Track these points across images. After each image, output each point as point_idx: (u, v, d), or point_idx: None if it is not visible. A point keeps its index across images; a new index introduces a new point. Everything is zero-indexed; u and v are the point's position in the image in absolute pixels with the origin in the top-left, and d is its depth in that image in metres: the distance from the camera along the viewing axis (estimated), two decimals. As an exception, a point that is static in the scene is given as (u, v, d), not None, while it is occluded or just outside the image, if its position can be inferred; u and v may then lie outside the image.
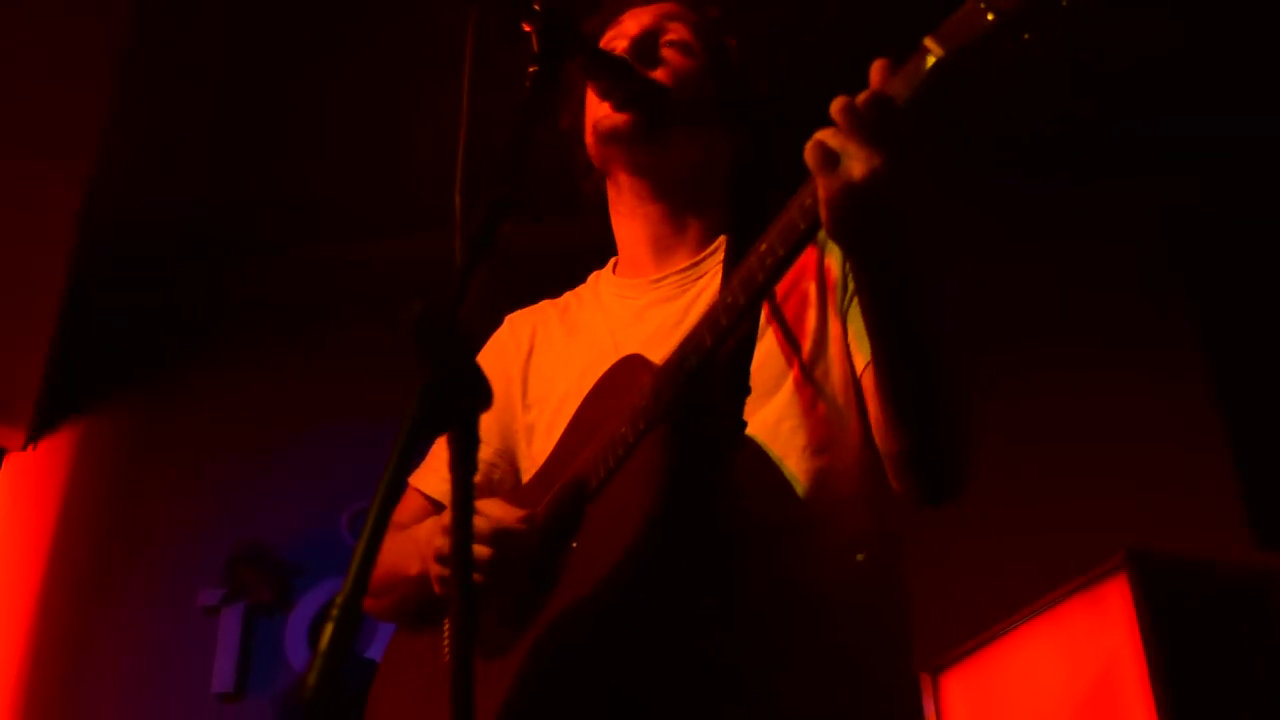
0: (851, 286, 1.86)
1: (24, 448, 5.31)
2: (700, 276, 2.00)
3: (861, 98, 1.44)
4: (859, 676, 1.74)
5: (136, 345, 5.41)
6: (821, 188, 1.46)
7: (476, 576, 1.74)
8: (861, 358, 1.83)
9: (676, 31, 2.06)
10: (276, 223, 5.26)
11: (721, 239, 2.02)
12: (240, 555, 4.90)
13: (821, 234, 1.52)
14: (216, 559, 4.92)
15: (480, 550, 1.74)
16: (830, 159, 1.45)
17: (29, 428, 5.26)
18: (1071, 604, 3.29)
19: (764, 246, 1.56)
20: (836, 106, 1.46)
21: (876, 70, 1.46)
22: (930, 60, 1.39)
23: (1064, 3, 1.32)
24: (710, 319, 1.64)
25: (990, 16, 1.35)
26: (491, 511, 1.79)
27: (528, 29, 1.72)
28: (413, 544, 1.91)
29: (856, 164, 1.43)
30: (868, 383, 1.80)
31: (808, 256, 1.93)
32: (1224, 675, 3.04)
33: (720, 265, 1.96)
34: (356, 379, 4.92)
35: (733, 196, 2.07)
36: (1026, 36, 1.36)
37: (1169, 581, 3.10)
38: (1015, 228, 4.89)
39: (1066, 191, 4.95)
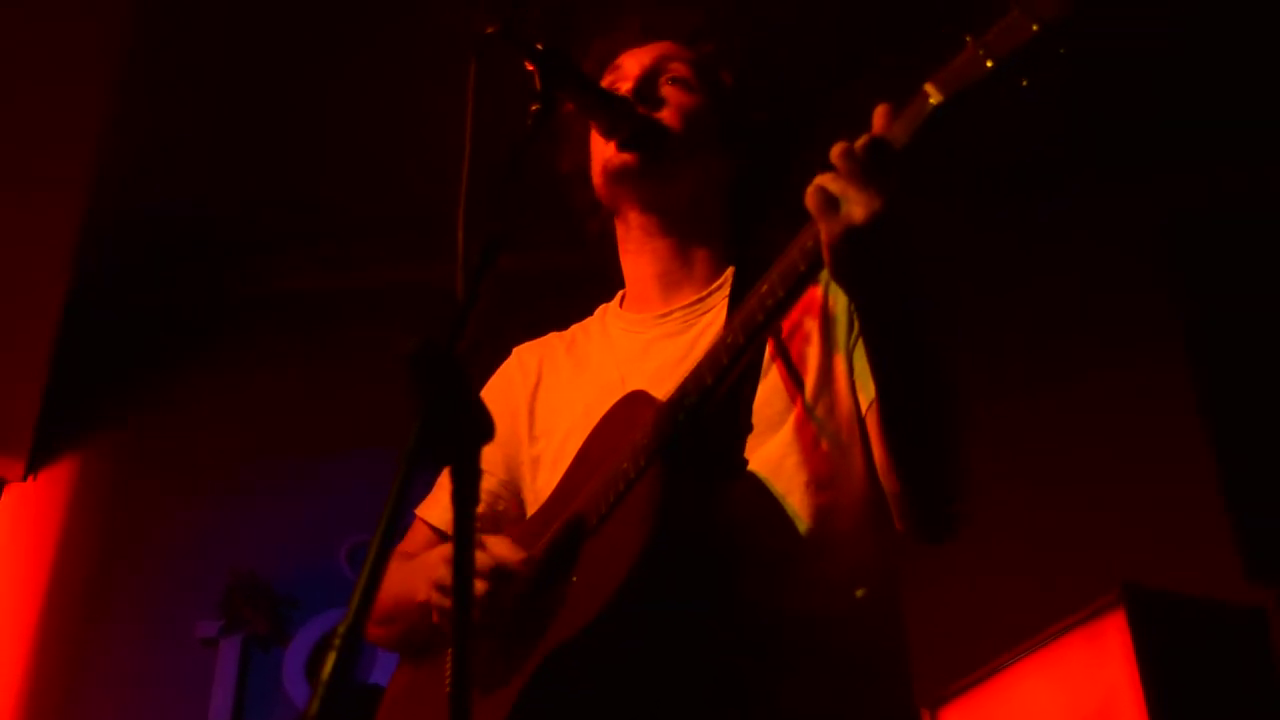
0: (856, 325, 1.88)
1: (24, 478, 5.30)
2: (706, 311, 2.02)
3: (860, 142, 1.48)
4: (859, 710, 1.75)
5: (132, 378, 5.41)
6: (824, 232, 1.50)
7: (483, 586, 1.76)
8: (865, 396, 1.84)
9: (676, 70, 2.09)
10: (278, 224, 5.24)
11: (727, 274, 2.04)
12: (238, 587, 4.89)
13: (824, 272, 1.55)
14: (214, 591, 4.89)
15: (476, 585, 1.75)
16: (831, 203, 1.49)
17: (29, 458, 5.26)
18: (1069, 639, 3.30)
19: (765, 287, 1.59)
20: (836, 151, 1.50)
21: (879, 115, 1.49)
22: (930, 104, 1.43)
23: (1061, 50, 1.36)
24: (711, 358, 1.66)
25: (989, 64, 1.39)
26: (494, 549, 1.80)
27: (530, 68, 1.75)
28: (420, 571, 1.92)
29: (857, 208, 1.47)
30: (872, 422, 1.83)
31: (811, 294, 1.95)
32: (1220, 710, 3.05)
33: (723, 299, 1.98)
34: (356, 412, 4.92)
35: (736, 228, 2.10)
36: (1025, 83, 1.40)
37: (1165, 617, 3.12)
38: (1012, 251, 4.89)
39: (1059, 215, 4.96)
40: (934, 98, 1.43)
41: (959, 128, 1.45)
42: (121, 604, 4.94)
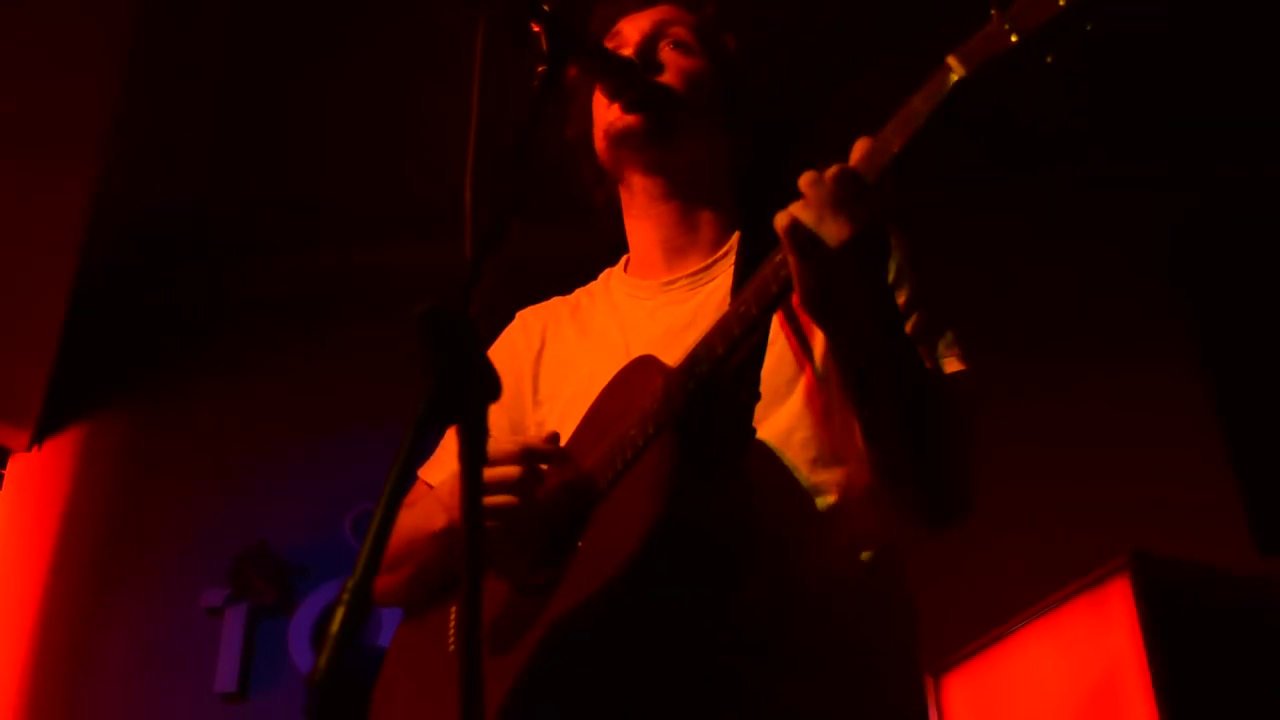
0: None
1: (29, 449, 5.31)
2: (711, 280, 2.02)
3: (829, 173, 1.48)
4: (864, 678, 1.74)
5: (140, 347, 5.42)
6: (791, 260, 1.51)
7: (507, 499, 1.75)
8: None
9: (676, 34, 2.08)
10: (277, 224, 5.26)
11: (732, 240, 2.04)
12: (244, 556, 4.91)
13: None
14: (220, 560, 4.92)
15: (508, 471, 1.76)
16: (800, 232, 1.49)
17: (34, 429, 5.27)
18: (1074, 606, 3.30)
19: (779, 257, 1.58)
20: (805, 180, 1.50)
21: (858, 146, 1.50)
22: (953, 78, 1.42)
23: (1088, 26, 1.35)
24: (723, 327, 1.66)
25: (1014, 38, 1.38)
26: (518, 437, 1.82)
27: (536, 29, 1.74)
28: (436, 500, 1.93)
29: (828, 238, 1.47)
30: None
31: None
32: (1225, 679, 3.05)
33: (730, 267, 1.97)
34: (360, 380, 4.94)
35: (740, 194, 2.10)
36: (1049, 59, 1.38)
37: (1171, 585, 3.11)
38: (1018, 231, 4.90)
39: (1068, 195, 4.96)
40: (956, 72, 1.41)
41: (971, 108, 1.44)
42: (126, 573, 4.96)
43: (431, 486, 2.10)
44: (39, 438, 5.32)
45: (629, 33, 2.08)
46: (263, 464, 5.06)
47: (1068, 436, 4.41)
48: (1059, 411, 4.47)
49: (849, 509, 1.81)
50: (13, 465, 5.30)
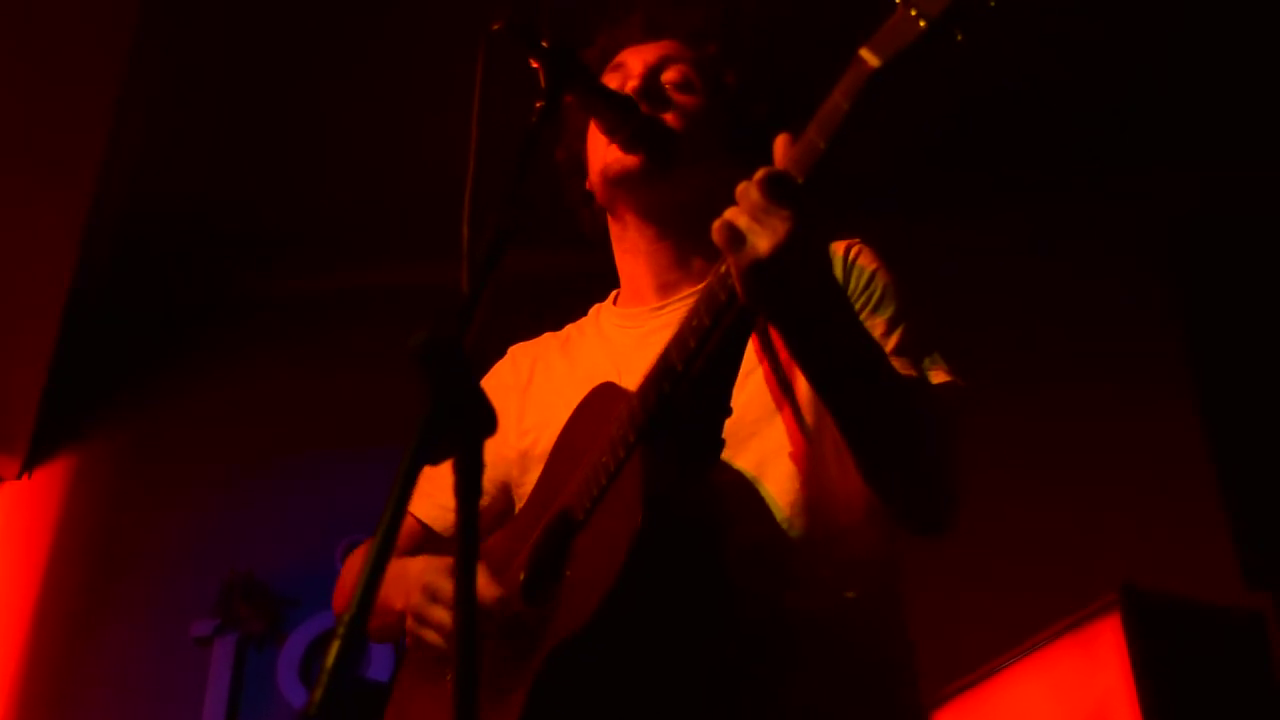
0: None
1: (19, 476, 5.29)
2: None
3: (758, 176, 1.52)
4: (859, 705, 1.74)
5: (130, 375, 5.41)
6: (730, 265, 1.54)
7: (441, 640, 1.81)
8: None
9: (679, 70, 2.08)
10: (272, 244, 5.25)
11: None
12: (233, 587, 4.89)
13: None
14: (209, 590, 4.90)
15: (444, 618, 1.80)
16: (736, 237, 1.52)
17: (24, 457, 5.25)
18: (1065, 642, 3.30)
19: (724, 268, 1.60)
20: (740, 188, 1.53)
21: (779, 145, 1.54)
22: (868, 69, 1.44)
23: (991, 3, 1.37)
24: (678, 342, 1.67)
25: (922, 24, 1.40)
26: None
27: (535, 65, 1.75)
28: (398, 580, 1.92)
29: (761, 240, 1.50)
30: None
31: None
32: (1216, 715, 3.05)
33: None
34: (350, 410, 4.93)
35: None
36: (960, 38, 1.40)
37: (1161, 620, 3.11)
38: (1002, 254, 4.90)
39: (1054, 220, 4.97)
40: (871, 63, 1.44)
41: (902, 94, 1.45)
42: (116, 602, 4.94)
43: (418, 519, 2.11)
44: (28, 466, 5.30)
45: (633, 65, 2.08)
46: (252, 494, 5.05)
47: (1057, 470, 4.41)
48: (1048, 445, 4.47)
49: (839, 535, 1.81)
50: (2, 493, 5.27)
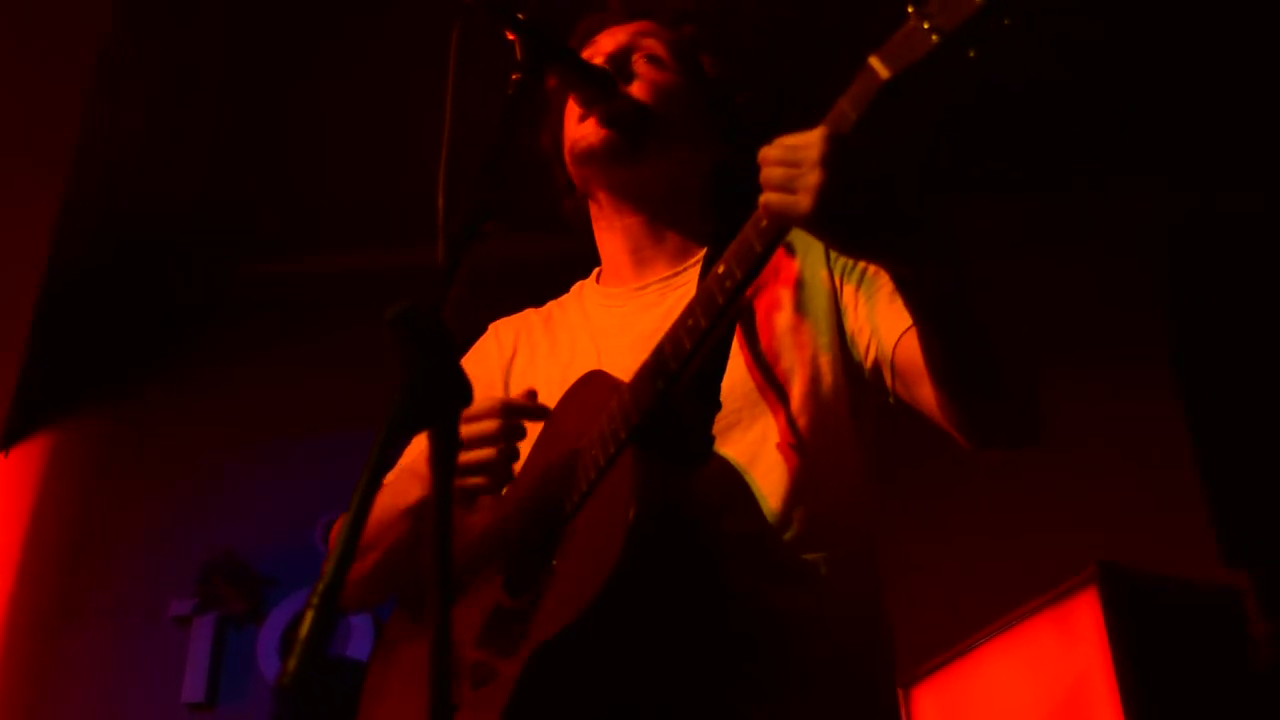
0: (846, 286, 1.88)
1: (-3, 455, 5.28)
2: (682, 285, 2.02)
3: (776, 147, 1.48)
4: (840, 694, 1.73)
5: (108, 355, 5.39)
6: (821, 182, 1.44)
7: (487, 452, 1.75)
8: (876, 342, 1.83)
9: (650, 47, 2.08)
10: (252, 230, 5.25)
11: (700, 254, 2.04)
12: (213, 565, 4.88)
13: (798, 240, 1.54)
14: (188, 569, 4.90)
15: (487, 425, 1.75)
16: (794, 167, 1.46)
17: (3, 434, 5.23)
18: (1042, 618, 3.31)
19: (722, 269, 1.58)
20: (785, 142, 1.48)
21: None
22: (879, 80, 1.41)
23: (1006, 20, 1.34)
24: (673, 340, 1.65)
25: (935, 38, 1.37)
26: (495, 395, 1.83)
27: (512, 38, 1.74)
28: (410, 474, 1.89)
29: (810, 175, 1.44)
30: (902, 358, 1.79)
31: (785, 265, 1.95)
32: (1193, 692, 3.07)
33: (697, 273, 1.97)
34: (329, 388, 4.92)
35: (713, 209, 2.09)
36: (971, 54, 1.37)
37: (1138, 597, 3.13)
38: (986, 238, 4.91)
39: (1034, 206, 4.99)
40: (881, 74, 1.41)
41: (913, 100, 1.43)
42: (95, 582, 4.93)
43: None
44: (5, 444, 5.28)
45: (605, 43, 2.09)
46: (232, 473, 5.04)
47: (1036, 448, 4.42)
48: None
49: (824, 522, 1.80)
50: (-21, 472, 5.26)
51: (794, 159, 1.46)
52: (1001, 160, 4.90)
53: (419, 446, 1.91)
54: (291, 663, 0.94)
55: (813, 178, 1.43)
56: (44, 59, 3.94)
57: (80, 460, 5.26)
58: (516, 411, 1.79)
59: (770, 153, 1.49)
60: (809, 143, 1.45)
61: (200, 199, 5.12)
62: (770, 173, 1.48)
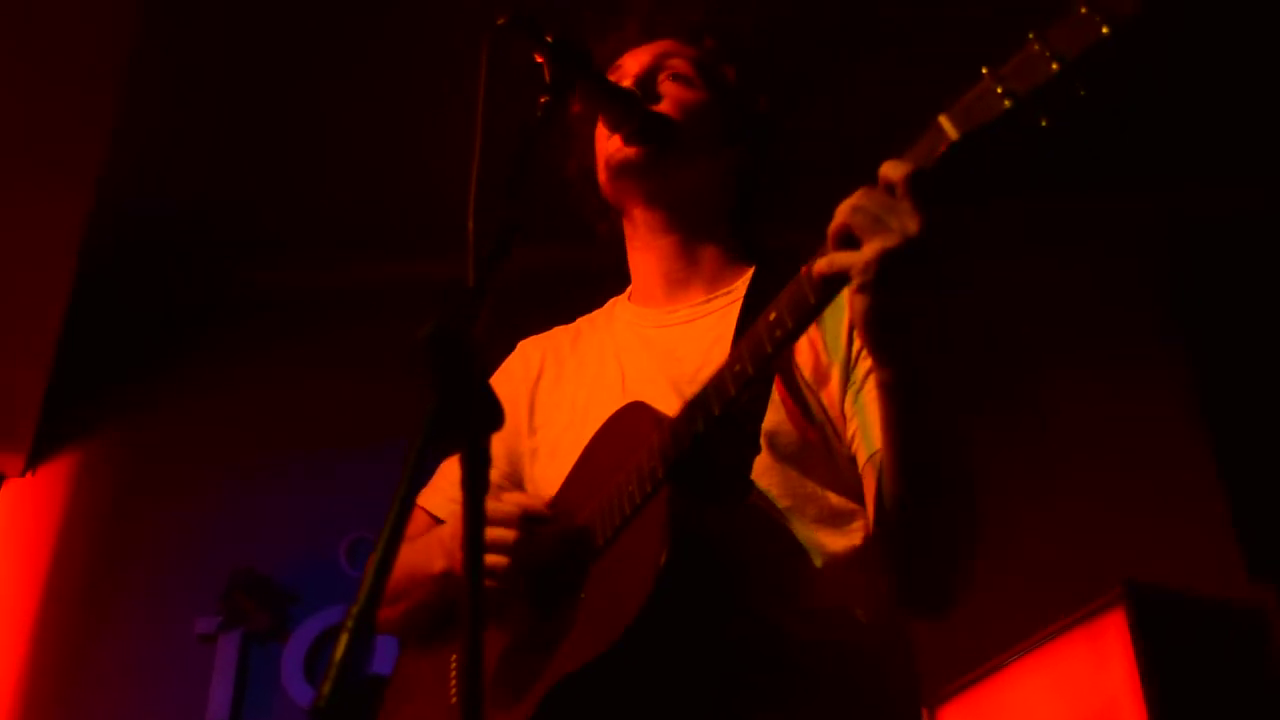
0: (861, 368, 1.85)
1: (23, 474, 5.29)
2: (709, 314, 2.03)
3: (902, 171, 1.42)
4: (849, 704, 1.72)
5: (133, 371, 5.41)
6: (872, 249, 1.41)
7: (500, 559, 1.75)
8: (865, 451, 1.80)
9: (675, 66, 2.10)
10: (273, 239, 5.25)
11: (739, 280, 2.04)
12: (237, 583, 4.89)
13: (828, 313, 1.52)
14: (213, 587, 4.90)
15: (504, 534, 1.75)
16: (875, 220, 1.42)
17: (28, 454, 5.25)
18: (1070, 637, 3.30)
19: (773, 316, 1.55)
20: (845, 205, 1.44)
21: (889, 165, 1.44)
22: (945, 143, 1.39)
23: (1082, 91, 1.31)
24: (718, 384, 1.63)
25: (1007, 103, 1.34)
26: (515, 498, 1.82)
27: (539, 60, 1.75)
28: (437, 542, 1.91)
29: (909, 220, 1.40)
30: (868, 478, 1.78)
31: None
32: (1221, 709, 3.05)
33: (729, 304, 1.99)
34: (356, 407, 4.93)
35: (744, 228, 2.12)
36: (1044, 123, 1.34)
37: (1166, 615, 3.12)
38: (1004, 250, 4.89)
39: (1053, 217, 4.97)
40: (951, 134, 1.38)
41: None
42: (120, 600, 4.94)
43: (429, 513, 2.10)
44: (33, 463, 5.30)
45: (629, 66, 2.10)
46: (257, 490, 5.04)
47: (1060, 466, 4.41)
48: (1052, 442, 4.47)
49: (852, 564, 1.79)
50: (6, 490, 5.27)
51: (882, 202, 1.42)
52: (1001, 160, 4.87)
53: (451, 468, 1.92)
54: (326, 686, 0.94)
55: (911, 221, 1.39)
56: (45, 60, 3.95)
57: (105, 479, 5.27)
58: (535, 520, 1.79)
59: (847, 204, 1.45)
60: (894, 183, 1.41)
61: (227, 216, 5.14)
62: (853, 218, 1.44)
